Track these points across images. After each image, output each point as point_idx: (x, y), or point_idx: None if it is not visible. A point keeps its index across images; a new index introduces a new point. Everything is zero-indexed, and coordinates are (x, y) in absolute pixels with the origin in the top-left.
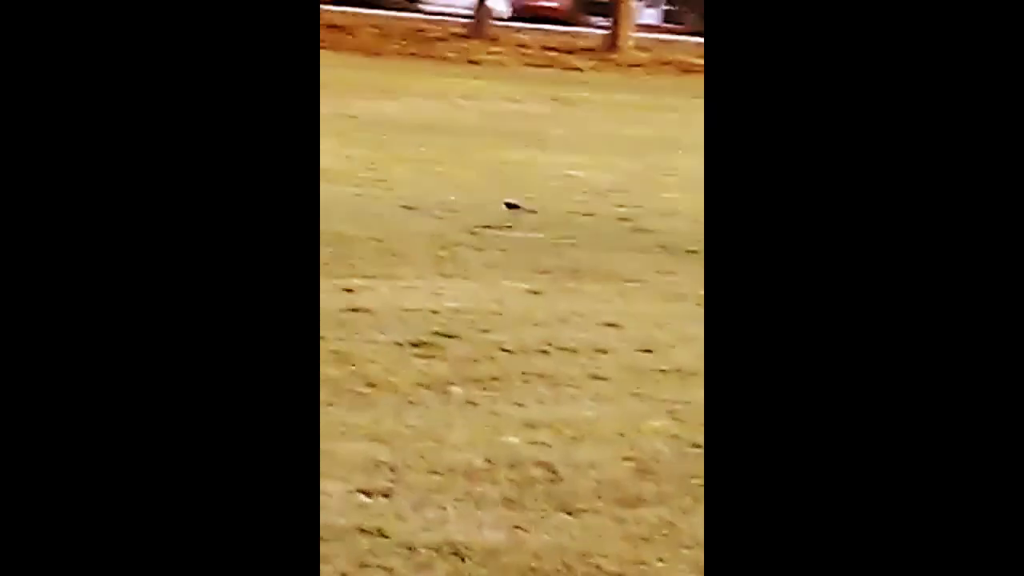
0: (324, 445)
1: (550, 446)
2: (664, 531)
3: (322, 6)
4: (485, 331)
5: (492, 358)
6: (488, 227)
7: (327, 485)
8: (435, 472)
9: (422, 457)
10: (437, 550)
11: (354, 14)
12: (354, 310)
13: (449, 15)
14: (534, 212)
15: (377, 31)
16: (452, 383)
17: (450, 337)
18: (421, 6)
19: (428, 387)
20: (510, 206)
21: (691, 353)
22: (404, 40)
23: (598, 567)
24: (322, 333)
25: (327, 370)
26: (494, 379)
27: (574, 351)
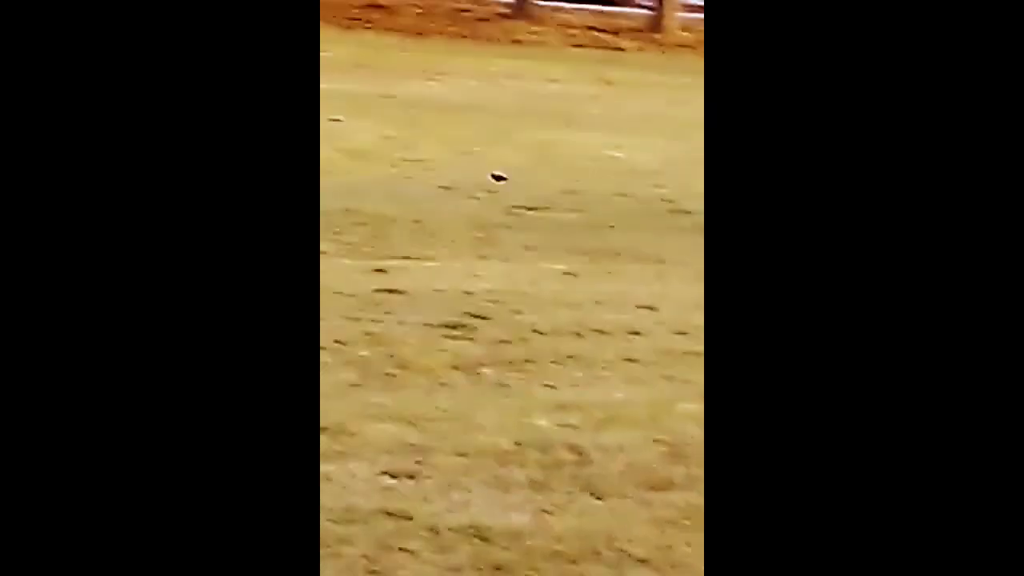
0: (352, 426)
1: (580, 429)
2: (692, 515)
3: None
4: (519, 313)
5: (525, 340)
6: (526, 208)
7: (353, 466)
8: (463, 454)
9: (450, 439)
10: (461, 532)
11: None
12: (388, 291)
13: None
14: (505, 178)
15: (421, 11)
16: (483, 365)
17: (483, 319)
18: None
19: (459, 369)
20: (497, 178)
21: None
22: (448, 20)
23: (623, 551)
24: (355, 314)
25: (358, 351)
26: (526, 361)
27: (608, 333)
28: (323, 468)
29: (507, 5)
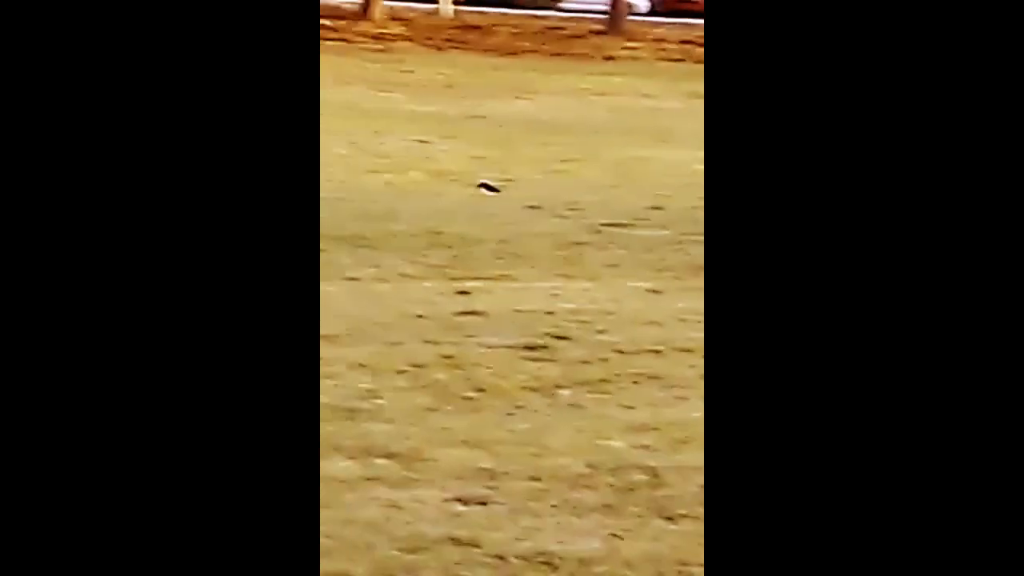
0: (424, 451)
1: (656, 450)
2: None
3: (458, 7)
4: (600, 332)
5: (604, 360)
6: (612, 225)
7: (422, 492)
8: (535, 479)
9: (523, 463)
10: (529, 560)
11: (491, 14)
12: (469, 312)
13: (587, 12)
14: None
15: (514, 30)
16: (561, 386)
17: (563, 339)
18: (559, 4)
19: (537, 390)
20: (487, 187)
21: None
22: (541, 38)
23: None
24: (434, 337)
25: (435, 374)
26: (604, 381)
27: (689, 351)
28: (392, 495)
29: (600, 22)
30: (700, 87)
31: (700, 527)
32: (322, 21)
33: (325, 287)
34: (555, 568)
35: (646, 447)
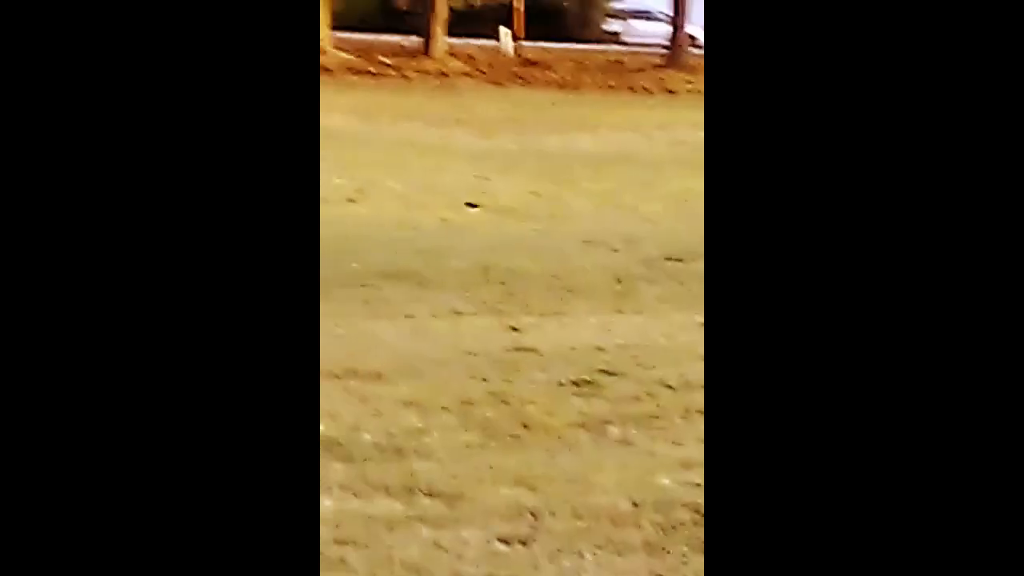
0: (469, 490)
1: (703, 486)
2: None
3: (519, 43)
4: (651, 367)
5: (654, 395)
6: (668, 259)
7: (465, 532)
8: (579, 517)
9: (568, 501)
10: None
11: (552, 49)
12: (520, 349)
13: (648, 46)
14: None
15: (575, 65)
16: (610, 422)
17: (613, 375)
18: (620, 38)
19: (584, 427)
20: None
21: None
22: (602, 73)
23: None
24: (484, 374)
25: (483, 411)
26: (653, 417)
27: None
28: (435, 534)
29: (661, 56)
30: None
31: None
32: (381, 59)
33: (377, 324)
34: None
35: (693, 484)
